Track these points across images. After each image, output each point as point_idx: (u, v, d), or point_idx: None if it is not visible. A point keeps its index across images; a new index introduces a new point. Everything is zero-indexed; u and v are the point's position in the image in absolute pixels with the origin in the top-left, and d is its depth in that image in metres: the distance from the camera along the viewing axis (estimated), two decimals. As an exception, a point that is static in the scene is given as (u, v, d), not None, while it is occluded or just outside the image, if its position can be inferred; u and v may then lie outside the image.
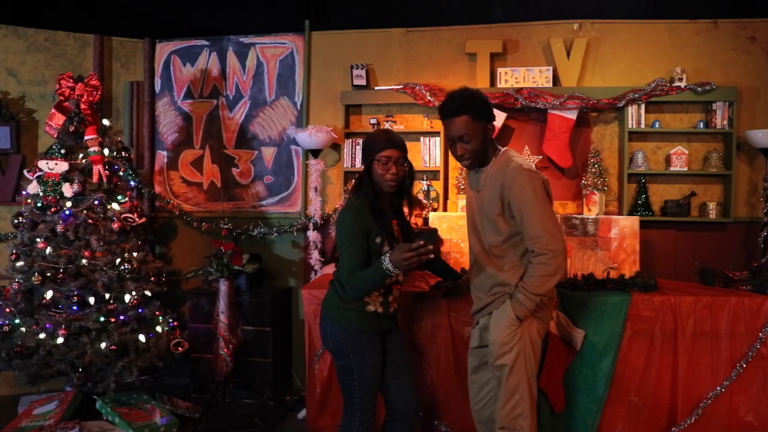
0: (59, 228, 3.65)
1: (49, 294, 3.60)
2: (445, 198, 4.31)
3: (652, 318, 2.83)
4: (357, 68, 4.38)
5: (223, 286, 4.01)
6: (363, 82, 4.38)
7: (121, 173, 4.05)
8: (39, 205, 3.71)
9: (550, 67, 4.20)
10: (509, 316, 2.35)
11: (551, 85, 4.18)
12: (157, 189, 4.76)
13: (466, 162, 2.43)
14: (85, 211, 3.71)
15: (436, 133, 4.30)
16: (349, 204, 2.44)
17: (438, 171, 4.29)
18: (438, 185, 4.31)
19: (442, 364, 2.97)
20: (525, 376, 2.38)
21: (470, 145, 2.36)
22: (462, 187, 4.17)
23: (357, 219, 2.37)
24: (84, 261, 3.65)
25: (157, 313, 3.87)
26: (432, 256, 2.22)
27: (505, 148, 2.47)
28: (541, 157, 4.27)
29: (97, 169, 3.78)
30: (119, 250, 3.79)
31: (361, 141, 4.23)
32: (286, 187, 4.62)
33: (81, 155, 3.81)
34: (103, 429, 3.44)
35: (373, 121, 4.36)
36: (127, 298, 3.73)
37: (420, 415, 2.97)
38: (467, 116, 2.34)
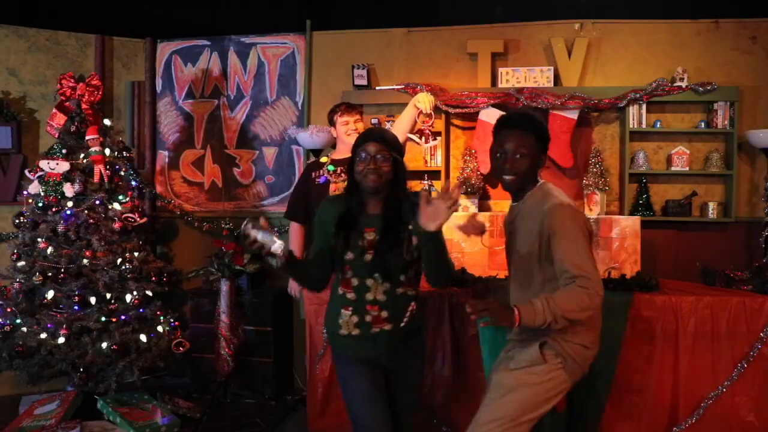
0: (60, 228, 3.65)
1: (50, 294, 3.60)
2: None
3: (654, 318, 2.83)
4: (358, 68, 4.38)
5: (224, 286, 4.01)
6: (364, 82, 4.38)
7: (122, 173, 4.05)
8: (40, 204, 3.72)
9: (552, 67, 4.20)
10: (535, 355, 2.15)
11: (552, 85, 4.17)
12: (159, 189, 4.77)
13: (510, 177, 2.23)
14: (86, 211, 3.71)
15: (437, 134, 4.29)
16: (329, 197, 2.39)
17: (439, 171, 4.29)
18: (439, 186, 4.30)
19: (444, 364, 2.98)
20: (510, 413, 2.10)
21: (523, 163, 2.21)
22: (464, 187, 4.17)
23: (320, 211, 2.31)
24: (85, 261, 3.65)
25: (158, 312, 3.87)
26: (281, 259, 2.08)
27: (543, 180, 2.30)
28: (542, 157, 4.27)
29: (99, 168, 3.78)
30: (120, 249, 3.79)
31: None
32: (287, 186, 4.62)
33: (82, 155, 3.81)
34: (105, 429, 3.44)
35: (374, 121, 4.37)
36: (128, 297, 3.73)
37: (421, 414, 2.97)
38: (534, 136, 2.23)
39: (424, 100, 3.17)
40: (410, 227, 2.18)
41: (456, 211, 1.98)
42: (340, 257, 2.20)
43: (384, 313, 2.18)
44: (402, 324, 2.20)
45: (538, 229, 2.13)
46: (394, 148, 2.21)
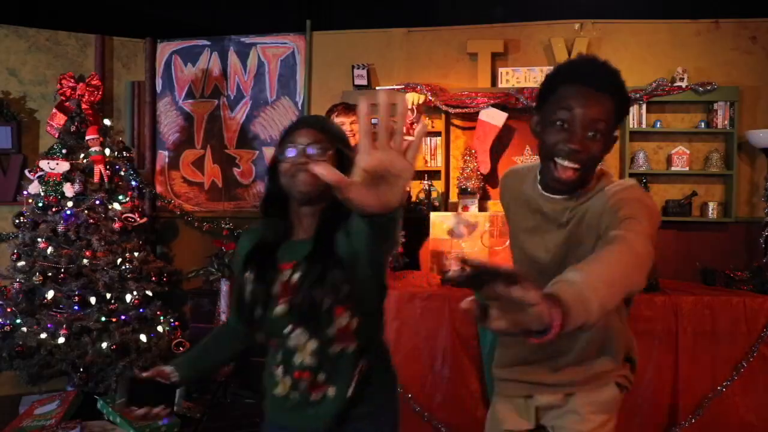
0: (60, 228, 3.65)
1: (50, 294, 3.60)
2: (446, 199, 4.31)
3: (654, 318, 2.83)
4: (358, 68, 4.38)
5: (224, 286, 4.02)
6: (364, 82, 4.38)
7: (122, 173, 4.06)
8: (40, 204, 3.72)
9: (552, 67, 4.19)
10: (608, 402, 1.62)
11: (552, 85, 4.17)
12: (159, 189, 4.76)
13: (573, 165, 1.39)
14: (86, 211, 3.71)
15: (437, 133, 4.29)
16: (250, 228, 1.67)
17: (439, 171, 4.28)
18: (439, 185, 4.30)
19: (444, 364, 2.97)
20: None
21: (596, 147, 1.39)
22: (464, 187, 4.15)
23: (238, 248, 1.63)
24: (85, 261, 3.65)
25: (158, 313, 3.87)
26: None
27: (602, 168, 1.51)
28: (542, 157, 4.27)
29: (99, 168, 3.79)
30: (120, 250, 3.79)
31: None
32: (287, 187, 4.62)
33: (82, 155, 3.81)
34: (105, 429, 3.44)
35: (374, 121, 4.36)
36: (128, 297, 3.73)
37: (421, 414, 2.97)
38: (614, 104, 1.39)
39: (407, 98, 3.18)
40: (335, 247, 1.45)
41: (418, 150, 1.01)
42: (248, 313, 1.51)
43: (321, 377, 1.48)
44: (349, 393, 1.47)
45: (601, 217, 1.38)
46: (339, 139, 1.50)
